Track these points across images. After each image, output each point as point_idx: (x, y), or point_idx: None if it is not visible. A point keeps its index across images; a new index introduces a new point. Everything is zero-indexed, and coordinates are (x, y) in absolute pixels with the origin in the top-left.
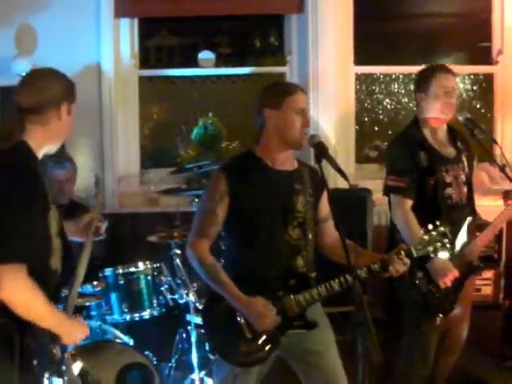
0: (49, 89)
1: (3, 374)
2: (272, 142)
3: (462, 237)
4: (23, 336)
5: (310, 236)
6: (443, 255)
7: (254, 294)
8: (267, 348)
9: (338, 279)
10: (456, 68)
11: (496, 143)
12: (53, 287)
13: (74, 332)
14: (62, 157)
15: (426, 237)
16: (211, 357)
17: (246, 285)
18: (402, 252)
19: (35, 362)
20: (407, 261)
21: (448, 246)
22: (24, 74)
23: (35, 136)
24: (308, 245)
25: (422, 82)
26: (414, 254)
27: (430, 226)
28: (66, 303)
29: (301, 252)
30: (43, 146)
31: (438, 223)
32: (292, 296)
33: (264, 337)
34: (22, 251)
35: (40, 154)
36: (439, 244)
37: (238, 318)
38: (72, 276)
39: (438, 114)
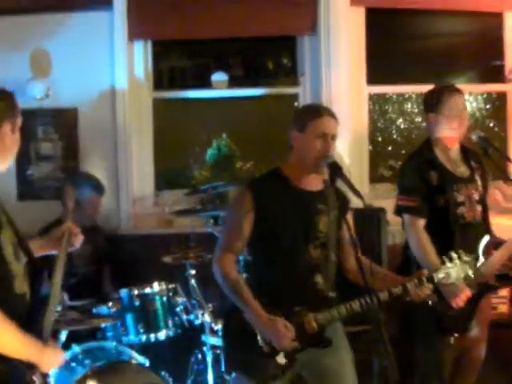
0: None
1: None
2: (297, 162)
3: (477, 256)
4: None
5: (333, 256)
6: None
7: (274, 310)
8: (285, 364)
9: (358, 300)
10: (469, 87)
11: (510, 161)
12: (23, 312)
13: (49, 359)
14: (98, 181)
15: (449, 264)
16: (227, 377)
17: (267, 300)
18: (424, 278)
19: None
20: (429, 286)
21: (472, 277)
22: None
23: None
24: (329, 264)
25: (431, 102)
26: (435, 280)
27: (454, 255)
28: (42, 325)
29: (321, 271)
30: None
31: (461, 252)
32: (311, 314)
33: (282, 353)
34: None
35: None
36: (462, 275)
37: (258, 334)
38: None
39: (448, 133)
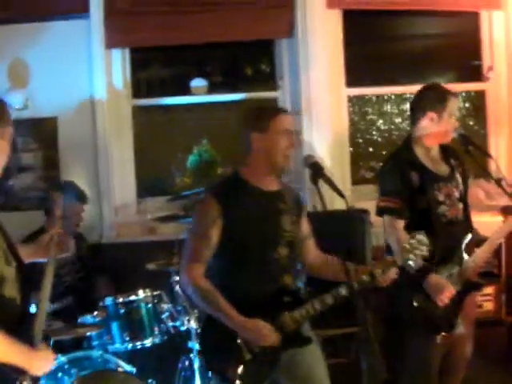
0: None
1: None
2: (259, 164)
3: (461, 253)
4: None
5: (298, 252)
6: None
7: (248, 314)
8: (267, 367)
9: (330, 293)
10: (448, 86)
11: (491, 157)
12: (12, 317)
13: (39, 363)
14: (81, 191)
15: (405, 245)
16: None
17: (241, 306)
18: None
19: None
20: (394, 269)
21: (426, 253)
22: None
23: None
24: (297, 261)
25: (436, 103)
26: (399, 263)
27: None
28: (33, 329)
29: (290, 270)
30: None
31: (416, 233)
32: (287, 313)
33: (263, 357)
34: None
35: None
36: (418, 251)
37: (238, 340)
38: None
39: (439, 134)
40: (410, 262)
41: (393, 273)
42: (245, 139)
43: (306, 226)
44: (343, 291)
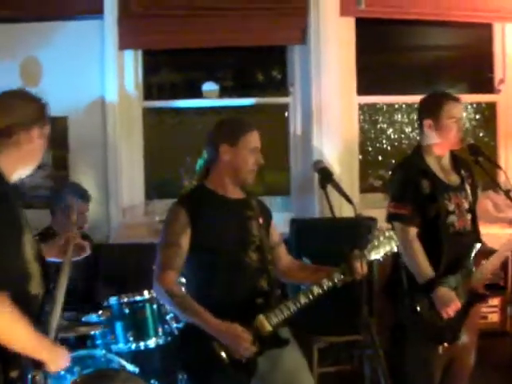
0: (18, 111)
1: None
2: (225, 175)
3: (469, 264)
4: (6, 365)
5: (269, 257)
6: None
7: (224, 319)
8: (247, 372)
9: (303, 293)
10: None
11: (500, 168)
12: (35, 313)
13: (57, 358)
14: (84, 190)
15: (375, 242)
16: None
17: (216, 312)
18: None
19: None
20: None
21: (395, 249)
22: None
23: (7, 159)
24: (268, 265)
25: (430, 109)
26: (368, 257)
27: (376, 232)
28: (48, 328)
29: (263, 273)
30: (16, 169)
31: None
32: (262, 316)
33: (242, 361)
34: (1, 279)
35: (12, 178)
36: (388, 248)
37: (215, 347)
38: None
39: (443, 141)
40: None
41: (362, 265)
42: (212, 149)
43: (275, 234)
44: (316, 289)
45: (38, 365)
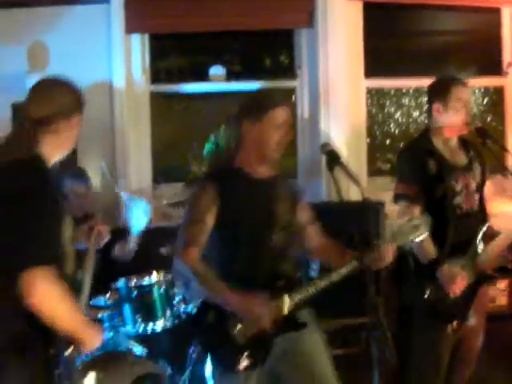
0: (59, 99)
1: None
2: (249, 153)
3: (476, 245)
4: (47, 344)
5: (293, 239)
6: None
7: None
8: (262, 352)
9: (323, 277)
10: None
11: (508, 152)
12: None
13: (93, 338)
14: (83, 171)
15: (402, 225)
16: None
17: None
18: (377, 246)
19: (57, 372)
20: (389, 252)
21: (426, 234)
22: (35, 82)
23: (47, 146)
24: (292, 247)
25: (439, 93)
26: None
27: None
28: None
29: (286, 256)
30: (54, 156)
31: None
32: (280, 297)
33: (258, 341)
34: (49, 255)
35: (51, 163)
36: (417, 232)
37: (231, 326)
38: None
39: (452, 124)
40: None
41: (387, 256)
42: (236, 126)
43: (306, 213)
44: (335, 276)
45: (70, 343)
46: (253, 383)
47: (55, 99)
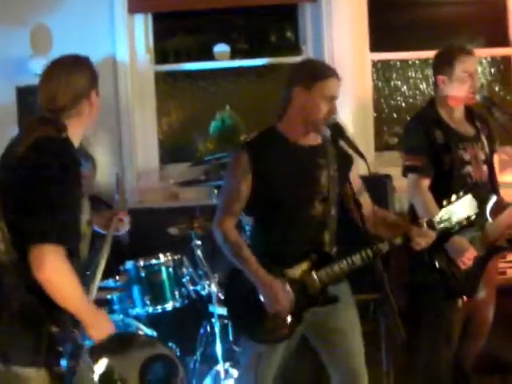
0: (78, 82)
1: (30, 357)
2: (296, 119)
3: (484, 215)
4: (48, 319)
5: (333, 211)
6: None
7: (276, 269)
8: (289, 325)
9: (359, 253)
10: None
11: None
12: (79, 273)
13: (99, 325)
14: (86, 152)
15: (449, 208)
16: (236, 348)
17: (270, 261)
18: (425, 224)
19: (61, 349)
20: (431, 233)
21: (473, 217)
22: (46, 67)
23: (72, 128)
24: (332, 219)
25: (444, 64)
26: (436, 226)
27: (454, 197)
28: (88, 292)
29: (327, 227)
30: (80, 134)
31: (461, 193)
32: (313, 272)
33: (287, 313)
34: (64, 233)
35: (77, 143)
36: (463, 215)
37: (261, 296)
38: (92, 268)
39: (458, 93)
40: (456, 227)
41: (430, 236)
42: (287, 90)
43: (356, 182)
44: (370, 253)
45: (77, 325)
46: (278, 354)
47: (75, 83)
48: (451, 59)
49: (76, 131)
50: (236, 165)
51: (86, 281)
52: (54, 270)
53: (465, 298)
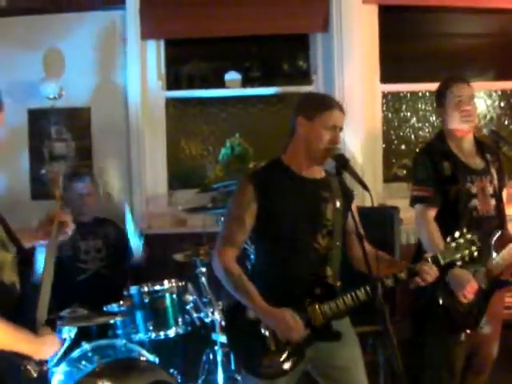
0: None
1: None
2: (300, 151)
3: (488, 249)
4: None
5: (338, 244)
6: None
7: (280, 303)
8: (292, 360)
9: (363, 288)
10: (483, 84)
11: None
12: (12, 301)
13: (41, 348)
14: (81, 170)
15: (453, 244)
16: (237, 377)
17: (273, 294)
18: (429, 259)
19: None
20: (435, 269)
21: (476, 254)
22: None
23: None
24: (336, 254)
25: (439, 95)
26: (441, 261)
27: (457, 234)
28: (35, 313)
29: (330, 261)
30: None
31: (465, 230)
32: (317, 306)
33: (288, 349)
34: None
35: None
36: (467, 252)
37: (263, 330)
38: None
39: (458, 123)
40: (458, 263)
41: (434, 272)
42: (291, 121)
43: (353, 219)
44: (377, 287)
45: (25, 355)
46: None
47: None
48: (443, 88)
49: None
50: (241, 194)
51: (28, 304)
52: None
53: (468, 331)
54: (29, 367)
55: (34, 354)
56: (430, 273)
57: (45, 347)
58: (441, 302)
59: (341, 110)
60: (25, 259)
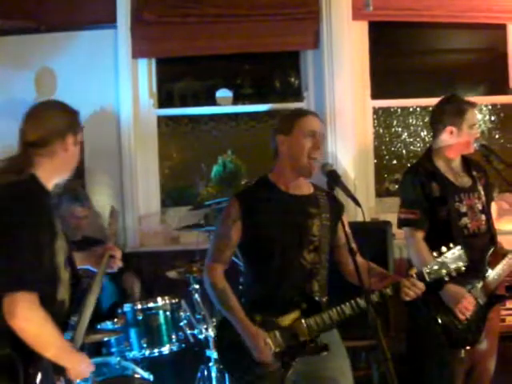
0: (52, 121)
1: None
2: (285, 167)
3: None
4: (28, 367)
5: (324, 260)
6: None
7: (266, 317)
8: (277, 373)
9: (349, 303)
10: (473, 99)
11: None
12: (60, 318)
13: (80, 366)
14: (80, 194)
15: (439, 259)
16: None
17: (260, 308)
18: (414, 275)
19: None
20: (420, 285)
21: (463, 269)
22: (29, 108)
23: (43, 168)
24: (322, 269)
25: (454, 115)
26: (426, 278)
27: (444, 249)
28: (74, 336)
29: (317, 276)
30: (52, 178)
31: (451, 245)
32: (303, 320)
33: (275, 361)
34: (35, 280)
35: (50, 186)
36: (453, 267)
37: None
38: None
39: (459, 145)
40: (446, 279)
41: (419, 288)
42: (272, 143)
43: (343, 233)
44: (362, 303)
45: (59, 370)
46: None
47: (49, 121)
48: (462, 111)
49: (47, 174)
50: (227, 212)
51: (71, 323)
52: (27, 319)
53: (467, 348)
54: (58, 383)
55: (72, 370)
56: (413, 289)
57: (82, 367)
58: (440, 320)
59: (315, 115)
60: (76, 279)
